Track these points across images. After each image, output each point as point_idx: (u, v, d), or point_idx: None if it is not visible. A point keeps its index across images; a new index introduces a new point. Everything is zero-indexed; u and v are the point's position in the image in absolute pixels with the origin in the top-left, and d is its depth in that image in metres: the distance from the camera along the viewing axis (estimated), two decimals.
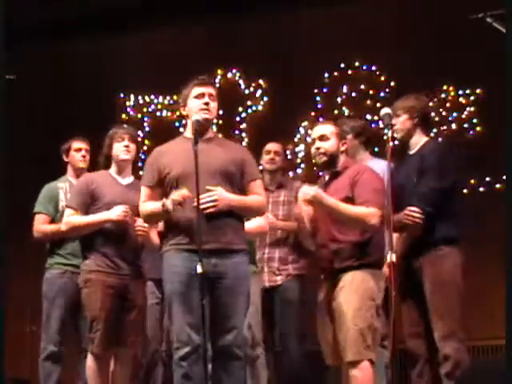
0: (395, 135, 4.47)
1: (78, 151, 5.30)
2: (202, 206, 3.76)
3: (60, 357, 5.08)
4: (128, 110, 8.06)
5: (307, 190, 4.05)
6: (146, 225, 4.38)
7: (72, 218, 4.54)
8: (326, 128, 4.28)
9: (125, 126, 4.83)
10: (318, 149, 4.23)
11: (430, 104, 6.62)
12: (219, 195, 3.85)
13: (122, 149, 4.59)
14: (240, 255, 3.95)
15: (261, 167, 5.32)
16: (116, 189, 4.56)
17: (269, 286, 5.30)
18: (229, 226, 3.92)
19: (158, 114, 8.00)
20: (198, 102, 4.05)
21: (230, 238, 3.91)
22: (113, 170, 4.66)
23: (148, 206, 4.02)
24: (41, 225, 5.17)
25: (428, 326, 4.27)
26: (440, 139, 6.28)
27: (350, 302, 3.99)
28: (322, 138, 4.24)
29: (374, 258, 4.10)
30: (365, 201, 4.02)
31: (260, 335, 5.06)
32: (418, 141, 4.49)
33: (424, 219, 4.24)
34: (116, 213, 4.41)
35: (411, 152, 4.50)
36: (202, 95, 4.05)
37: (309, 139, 7.37)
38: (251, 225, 4.61)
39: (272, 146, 5.56)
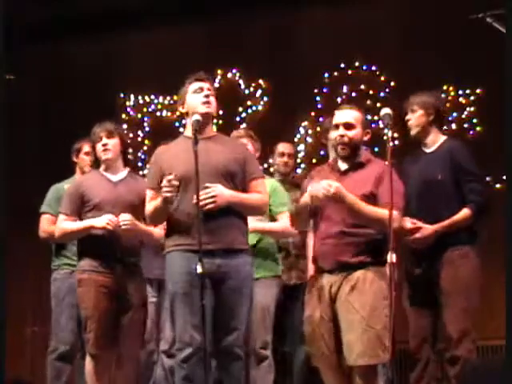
0: (411, 132, 4.41)
1: (87, 155, 5.29)
2: (200, 203, 3.73)
3: (72, 356, 5.08)
4: (128, 109, 8.05)
5: (328, 186, 3.76)
6: (128, 217, 4.35)
7: (63, 225, 4.57)
8: (351, 114, 4.00)
9: (104, 123, 4.65)
10: (342, 136, 3.96)
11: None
12: (217, 191, 3.81)
13: (101, 149, 4.58)
14: (243, 255, 3.93)
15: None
16: (105, 188, 4.55)
17: (298, 283, 5.17)
18: (231, 226, 3.89)
19: (158, 114, 8.00)
20: (197, 97, 4.02)
21: (233, 238, 3.88)
22: (102, 168, 4.65)
23: (151, 205, 4.01)
24: (46, 225, 5.18)
25: (434, 328, 4.27)
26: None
27: (364, 301, 3.82)
28: (348, 126, 3.96)
29: (384, 257, 3.91)
30: (388, 202, 3.67)
31: (270, 336, 4.99)
32: (436, 139, 4.42)
33: (477, 213, 4.23)
34: (100, 222, 4.39)
35: (428, 150, 4.43)
36: (200, 89, 4.03)
37: (309, 139, 7.40)
38: (276, 225, 4.60)
39: (286, 148, 5.53)
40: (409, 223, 4.31)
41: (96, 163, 4.70)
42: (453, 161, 4.29)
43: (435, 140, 4.42)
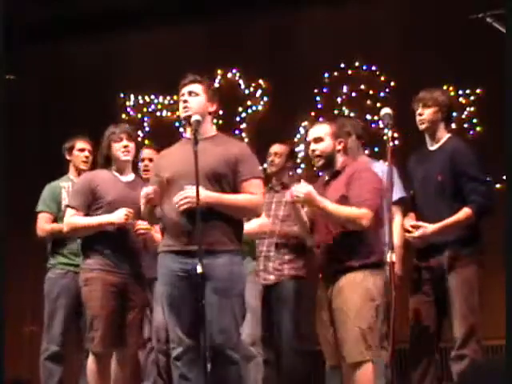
0: (421, 126, 4.44)
1: (81, 151, 5.30)
2: (176, 205, 3.81)
3: (62, 357, 5.08)
4: (128, 109, 8.06)
5: (299, 190, 3.99)
6: (146, 225, 4.40)
7: (74, 219, 4.52)
8: (319, 129, 4.25)
9: (121, 124, 4.78)
10: (313, 151, 4.22)
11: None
12: (192, 192, 3.77)
13: (121, 150, 4.58)
14: (226, 256, 3.89)
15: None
16: (117, 187, 4.55)
17: (264, 284, 5.28)
18: (212, 227, 3.85)
19: (158, 114, 8.01)
20: (180, 103, 4.08)
21: (213, 239, 3.84)
22: (113, 168, 4.64)
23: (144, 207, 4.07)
24: (44, 224, 5.18)
25: (438, 327, 4.28)
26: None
27: (350, 302, 3.97)
28: (317, 140, 4.21)
29: (374, 258, 4.05)
30: (358, 201, 3.98)
31: (258, 334, 5.03)
32: (441, 136, 4.44)
33: (478, 214, 4.25)
34: (118, 216, 4.40)
35: (432, 148, 4.46)
36: (182, 95, 4.08)
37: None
38: (250, 225, 4.60)
39: (273, 148, 5.54)
40: (408, 224, 4.38)
41: (106, 161, 4.65)
42: (453, 162, 4.30)
43: (440, 137, 4.44)
